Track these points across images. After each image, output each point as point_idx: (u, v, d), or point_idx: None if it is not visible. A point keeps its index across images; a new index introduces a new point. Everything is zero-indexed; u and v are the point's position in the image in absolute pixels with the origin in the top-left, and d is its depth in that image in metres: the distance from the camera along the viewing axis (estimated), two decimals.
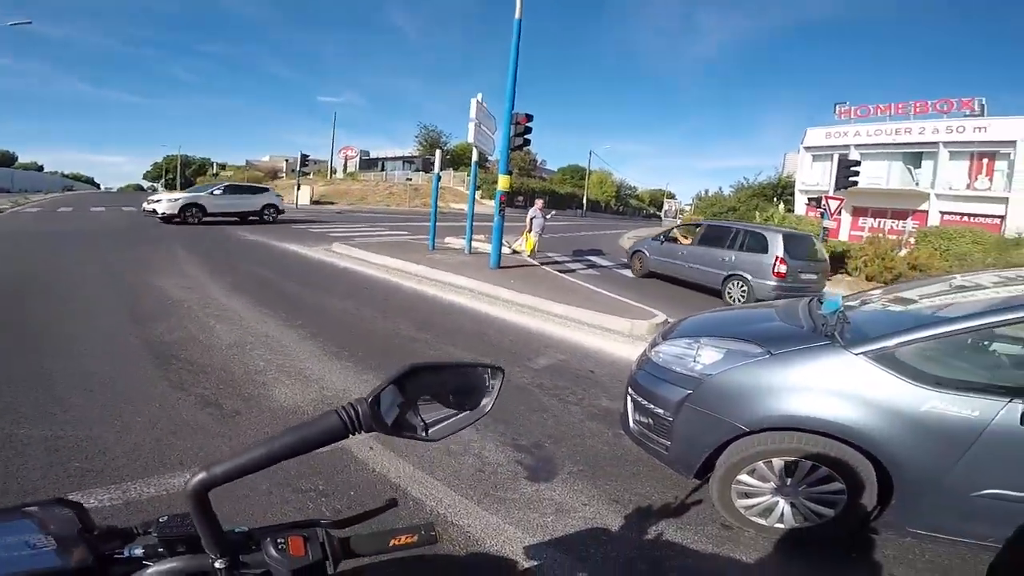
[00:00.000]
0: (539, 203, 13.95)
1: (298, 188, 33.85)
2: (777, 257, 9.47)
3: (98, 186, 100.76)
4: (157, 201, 17.74)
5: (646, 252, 12.26)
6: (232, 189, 19.93)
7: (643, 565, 2.40)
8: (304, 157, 33.24)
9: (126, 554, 0.72)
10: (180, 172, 72.62)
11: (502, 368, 0.84)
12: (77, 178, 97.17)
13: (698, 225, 12.63)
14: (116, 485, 2.65)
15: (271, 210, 20.23)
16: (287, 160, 55.17)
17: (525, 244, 13.44)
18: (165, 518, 0.73)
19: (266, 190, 21.22)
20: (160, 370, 4.28)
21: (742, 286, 9.81)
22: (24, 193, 41.29)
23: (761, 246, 9.85)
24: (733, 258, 10.14)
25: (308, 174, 44.26)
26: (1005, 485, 2.18)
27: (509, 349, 5.64)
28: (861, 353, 2.42)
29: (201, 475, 0.64)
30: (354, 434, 0.68)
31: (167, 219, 16.88)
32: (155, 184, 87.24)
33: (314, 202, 37.47)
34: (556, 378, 4.82)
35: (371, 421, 0.68)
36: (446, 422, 0.78)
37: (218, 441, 3.22)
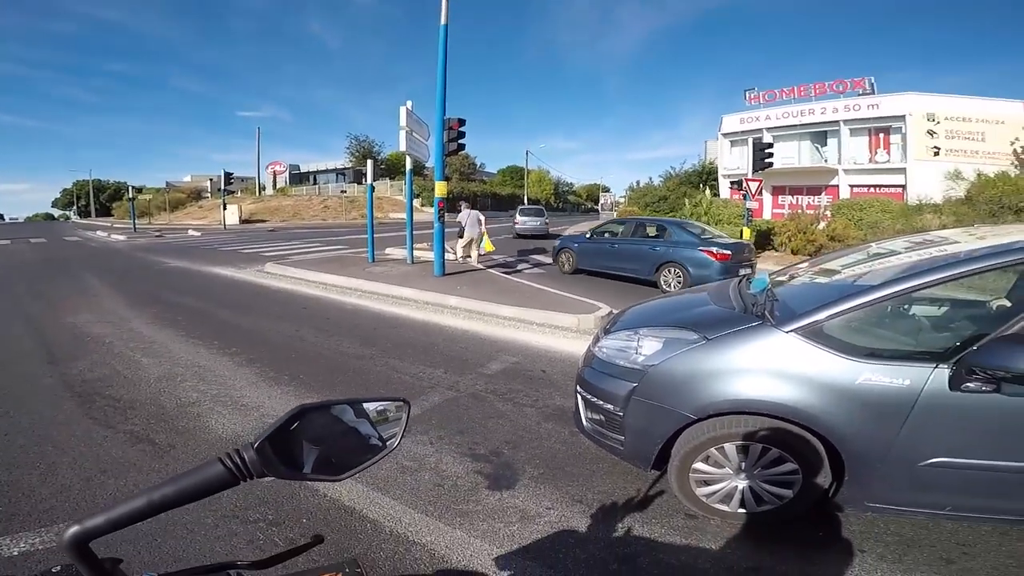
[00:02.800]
0: (464, 204, 13.42)
1: (224, 207, 32.30)
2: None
3: (2, 216, 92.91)
4: None
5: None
6: None
7: (615, 564, 2.36)
8: (228, 175, 31.82)
9: None
10: (93, 197, 67.75)
11: (406, 400, 0.82)
12: None
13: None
14: (47, 528, 2.52)
15: None
16: (211, 179, 52.79)
17: (485, 248, 12.96)
18: (58, 568, 0.69)
19: None
20: (83, 409, 3.98)
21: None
22: None
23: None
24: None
25: (235, 192, 42.35)
26: (949, 453, 2.17)
27: (460, 356, 5.54)
28: (792, 331, 2.39)
29: (73, 529, 0.61)
30: (244, 480, 0.65)
31: None
32: (67, 212, 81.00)
33: (244, 221, 35.94)
34: (509, 382, 4.77)
35: (260, 467, 0.65)
36: (351, 460, 0.75)
37: (153, 477, 3.01)
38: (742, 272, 9.79)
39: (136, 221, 32.25)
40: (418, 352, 5.69)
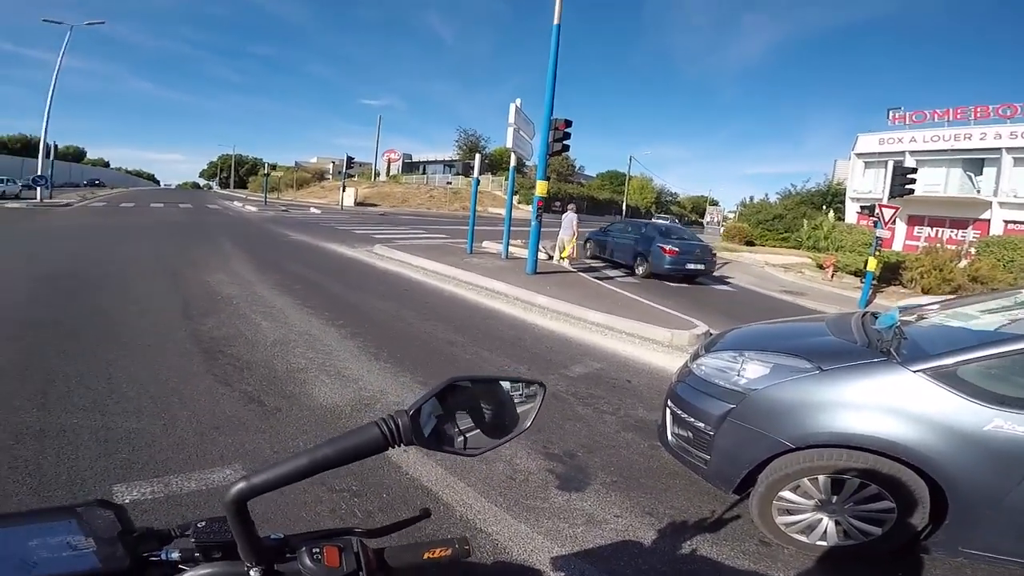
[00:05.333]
0: (572, 207, 14.15)
1: (343, 190, 34.85)
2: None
3: (158, 182, 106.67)
4: None
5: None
6: None
7: None
8: (349, 159, 34.18)
9: (163, 557, 0.72)
10: (234, 171, 75.67)
11: (543, 384, 0.84)
12: (139, 174, 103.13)
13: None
14: (159, 478, 2.71)
15: None
16: (333, 162, 56.86)
17: (563, 251, 13.49)
18: (203, 523, 0.73)
19: None
20: (207, 365, 4.42)
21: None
22: (91, 188, 44.25)
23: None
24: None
25: (353, 176, 45.42)
26: None
27: (544, 356, 5.62)
28: (920, 371, 2.33)
29: (240, 485, 0.65)
30: (394, 447, 0.69)
31: None
32: (210, 182, 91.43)
33: (358, 204, 38.40)
34: (592, 387, 4.77)
35: (411, 434, 0.69)
36: (485, 437, 0.77)
37: (259, 438, 3.27)
38: (690, 267, 12.64)
39: (267, 195, 35.58)
40: (505, 345, 5.84)
